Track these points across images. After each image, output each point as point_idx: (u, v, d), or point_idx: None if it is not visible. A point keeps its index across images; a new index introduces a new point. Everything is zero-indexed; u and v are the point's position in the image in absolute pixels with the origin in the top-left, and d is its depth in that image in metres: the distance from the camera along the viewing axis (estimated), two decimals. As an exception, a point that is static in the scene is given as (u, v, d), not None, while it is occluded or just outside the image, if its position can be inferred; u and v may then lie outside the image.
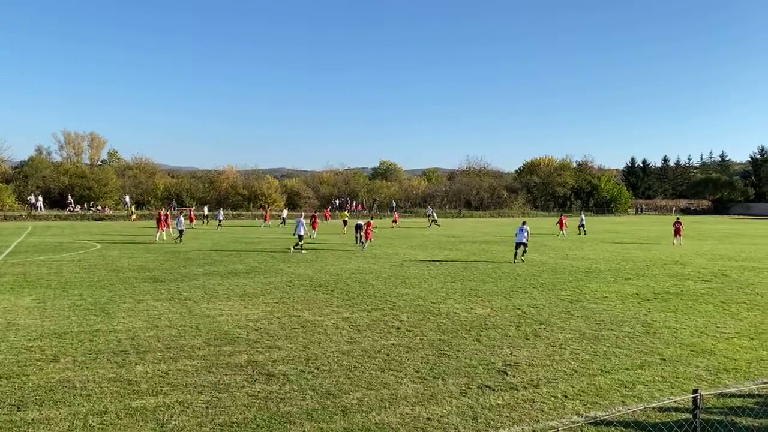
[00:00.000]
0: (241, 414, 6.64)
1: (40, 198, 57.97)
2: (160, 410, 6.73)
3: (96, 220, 53.89)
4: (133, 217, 55.41)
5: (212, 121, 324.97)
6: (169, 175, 78.56)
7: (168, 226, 33.09)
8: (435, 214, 50.97)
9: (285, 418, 6.53)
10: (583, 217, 41.32)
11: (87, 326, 10.89)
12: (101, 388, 7.45)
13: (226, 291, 15.09)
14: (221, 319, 11.70)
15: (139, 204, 65.10)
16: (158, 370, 8.25)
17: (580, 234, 37.90)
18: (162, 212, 33.74)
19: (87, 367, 8.32)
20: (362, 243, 27.20)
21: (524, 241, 22.65)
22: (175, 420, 6.45)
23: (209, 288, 15.52)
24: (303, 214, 36.42)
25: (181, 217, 31.57)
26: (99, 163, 79.62)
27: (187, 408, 6.81)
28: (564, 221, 37.86)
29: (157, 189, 68.70)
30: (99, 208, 59.58)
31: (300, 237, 25.83)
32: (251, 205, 67.79)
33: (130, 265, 20.47)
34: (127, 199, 62.93)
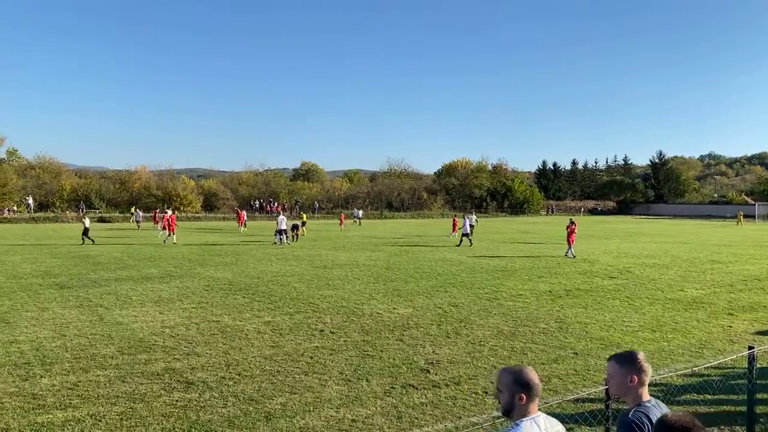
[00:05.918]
0: (158, 424, 6.37)
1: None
2: (70, 425, 6.35)
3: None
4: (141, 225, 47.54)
5: (124, 121, 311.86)
6: (76, 175, 74.34)
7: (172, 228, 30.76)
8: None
9: (206, 427, 6.33)
10: (470, 218, 42.33)
11: (-16, 338, 10.10)
12: (2, 403, 6.92)
13: (139, 297, 14.44)
14: (135, 326, 11.18)
15: (43, 205, 61.15)
16: (66, 382, 7.76)
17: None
18: (169, 213, 32.52)
19: (-15, 382, 7.71)
20: (286, 241, 29.36)
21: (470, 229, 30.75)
22: (86, 434, 6.10)
23: (121, 294, 14.79)
24: (280, 212, 38.07)
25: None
26: (-4, 161, 74.19)
27: (100, 421, 6.45)
28: (457, 222, 38.00)
29: (63, 190, 64.88)
30: (-4, 209, 55.46)
31: (279, 232, 28.79)
32: (165, 206, 65.34)
33: (33, 270, 19.17)
34: (30, 200, 58.87)
